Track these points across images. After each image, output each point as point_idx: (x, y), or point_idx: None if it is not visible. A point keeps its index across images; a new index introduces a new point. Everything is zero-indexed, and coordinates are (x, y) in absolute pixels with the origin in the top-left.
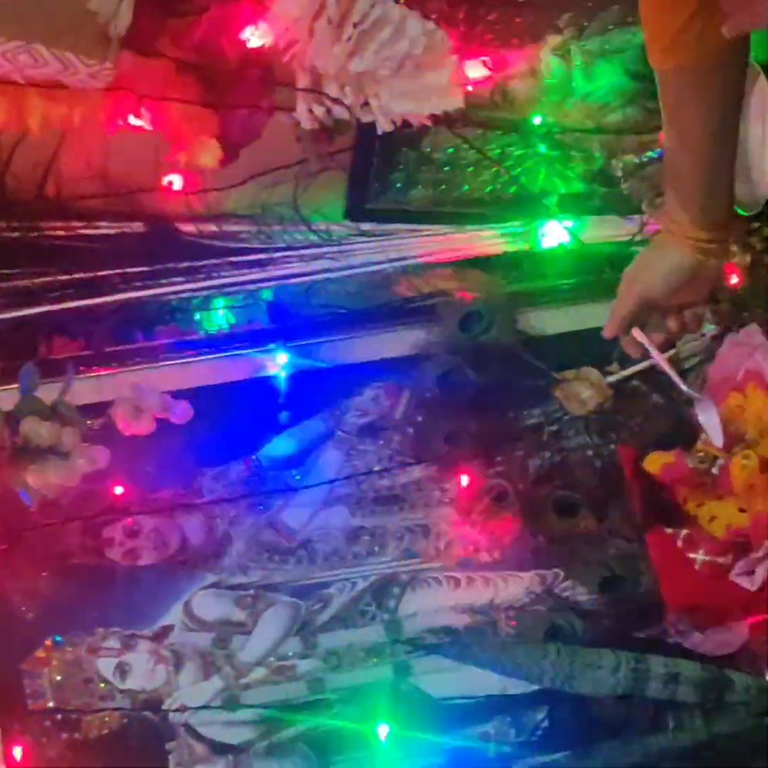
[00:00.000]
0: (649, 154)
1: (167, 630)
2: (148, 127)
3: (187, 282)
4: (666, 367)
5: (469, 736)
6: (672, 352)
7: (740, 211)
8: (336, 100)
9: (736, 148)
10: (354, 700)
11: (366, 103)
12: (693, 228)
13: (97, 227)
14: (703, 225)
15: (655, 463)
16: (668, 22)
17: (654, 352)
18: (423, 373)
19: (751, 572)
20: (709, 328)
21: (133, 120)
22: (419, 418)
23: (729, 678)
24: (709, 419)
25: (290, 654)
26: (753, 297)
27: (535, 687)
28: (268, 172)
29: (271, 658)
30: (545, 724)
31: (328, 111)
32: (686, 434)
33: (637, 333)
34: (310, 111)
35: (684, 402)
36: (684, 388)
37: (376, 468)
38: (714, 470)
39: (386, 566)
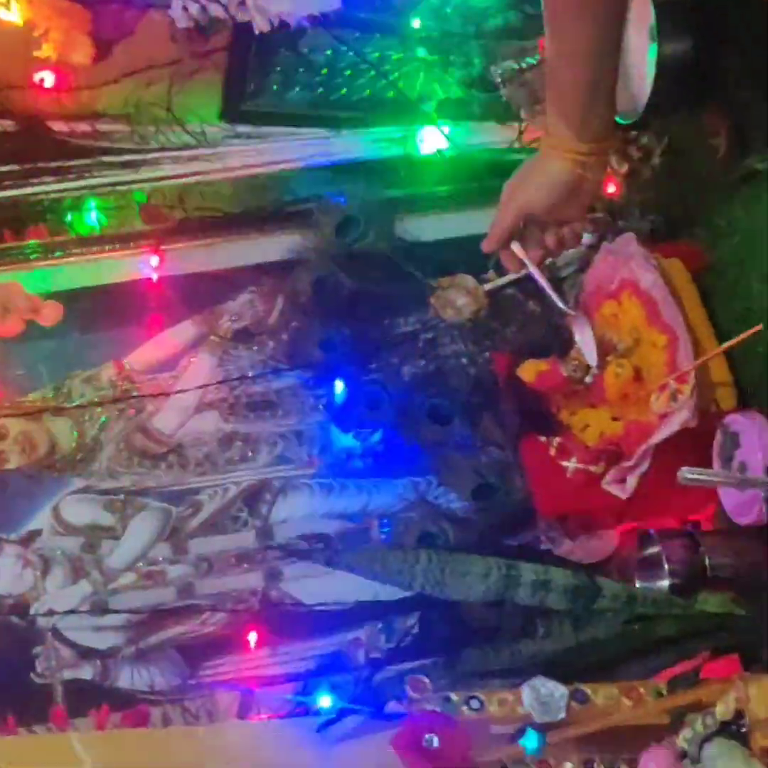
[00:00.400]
0: (529, 60)
1: (35, 534)
2: (17, 20)
3: (58, 182)
4: (543, 283)
5: (339, 642)
6: (548, 261)
7: (620, 120)
8: None
9: (618, 63)
10: (225, 606)
11: (242, 2)
12: (573, 141)
13: None
14: (583, 138)
15: (529, 371)
16: None
17: (532, 268)
18: (298, 279)
19: (622, 480)
20: (587, 236)
21: (2, 13)
22: (294, 324)
23: (598, 585)
24: (583, 337)
25: (160, 559)
26: (630, 206)
27: (407, 593)
28: (142, 71)
29: (141, 564)
30: (416, 629)
31: (204, 9)
32: (561, 342)
33: (515, 247)
34: (185, 9)
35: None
36: (560, 304)
37: (250, 373)
38: (588, 379)
39: (258, 472)
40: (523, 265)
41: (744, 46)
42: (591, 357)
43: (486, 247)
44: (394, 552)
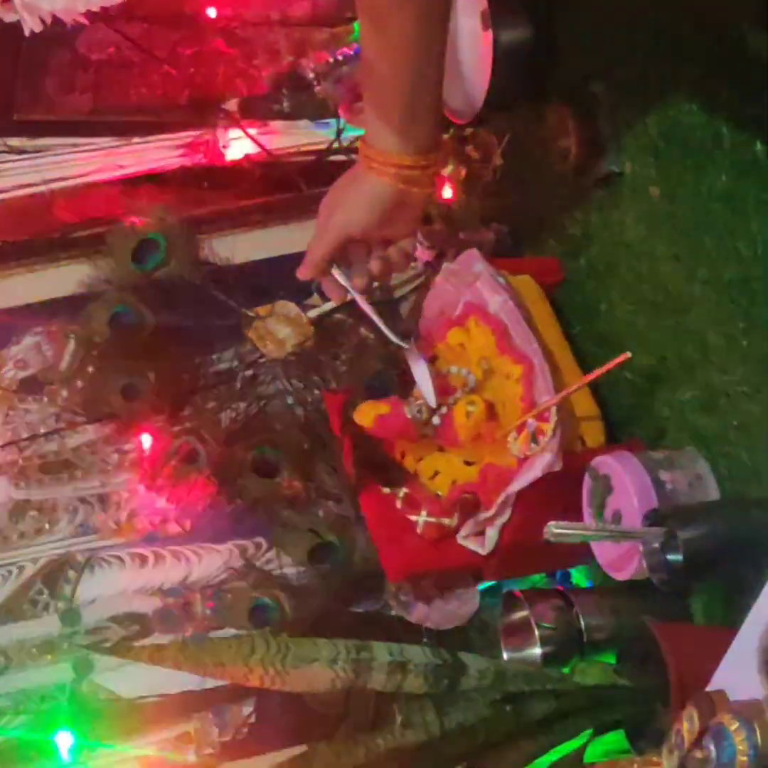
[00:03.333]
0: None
1: None
2: None
3: None
4: (371, 314)
5: (165, 740)
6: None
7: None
8: None
9: (443, 64)
10: (28, 706)
11: (7, 0)
12: (395, 153)
13: None
14: (407, 149)
15: (367, 414)
16: None
17: (357, 297)
18: (91, 316)
19: (480, 534)
20: (422, 252)
21: None
22: (89, 370)
23: (462, 662)
24: (418, 373)
25: None
26: (470, 214)
27: None
28: None
29: None
30: (252, 719)
31: None
32: (402, 377)
33: (337, 274)
34: None
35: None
36: (392, 337)
37: (42, 431)
38: (435, 420)
39: (58, 546)
40: (347, 292)
41: (588, 31)
42: (429, 396)
43: (301, 274)
44: (226, 643)
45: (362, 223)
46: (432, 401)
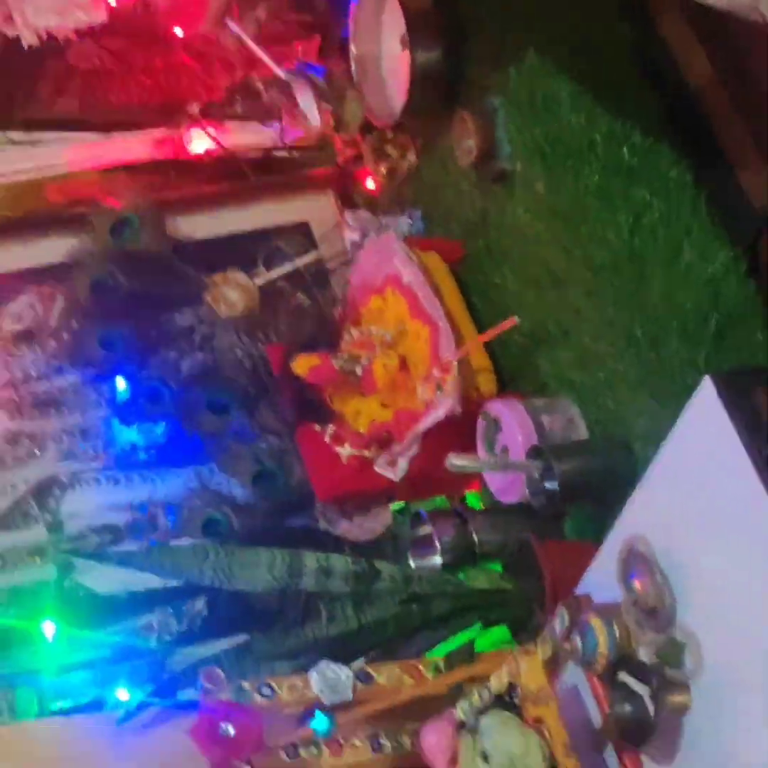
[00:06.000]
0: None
1: None
2: None
3: None
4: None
5: (132, 628)
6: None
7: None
8: None
9: None
10: (19, 599)
11: (9, 18)
12: None
13: None
14: None
15: (302, 365)
16: None
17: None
18: (76, 281)
19: (393, 463)
20: (350, 234)
21: None
22: (74, 325)
23: (376, 568)
24: (305, 99)
25: None
26: (389, 202)
27: None
28: None
29: None
30: (205, 612)
31: None
32: (331, 336)
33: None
34: None
35: (329, 302)
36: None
37: (33, 374)
38: (358, 370)
39: (47, 469)
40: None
41: (488, 54)
42: (313, 116)
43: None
44: (184, 549)
45: None
46: (315, 120)
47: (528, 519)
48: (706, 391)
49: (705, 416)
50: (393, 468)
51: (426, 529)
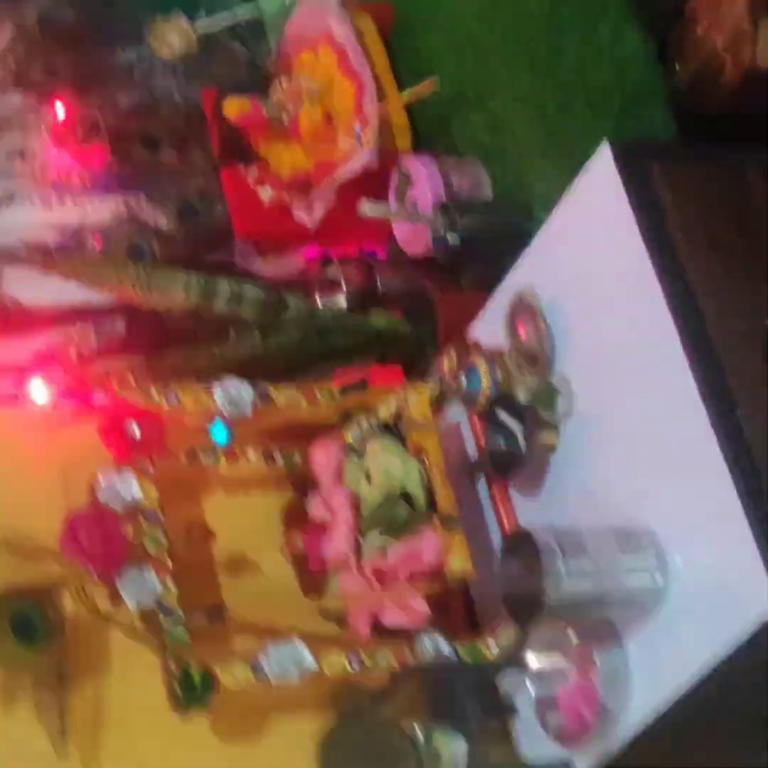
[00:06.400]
0: None
1: None
2: None
3: None
4: None
5: (54, 337)
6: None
7: None
8: None
9: None
10: None
11: None
12: None
13: None
14: None
15: (233, 107)
16: None
17: None
18: (25, 10)
19: (310, 209)
20: None
21: None
22: (20, 50)
23: (285, 300)
24: None
25: None
26: None
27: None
28: None
29: None
30: (122, 330)
31: None
32: (262, 82)
33: None
34: None
35: (264, 54)
36: None
37: None
38: (284, 118)
39: None
40: None
41: None
42: None
43: None
44: (106, 263)
45: None
46: None
47: (429, 270)
48: (604, 155)
49: (600, 180)
50: (309, 214)
51: (334, 272)
